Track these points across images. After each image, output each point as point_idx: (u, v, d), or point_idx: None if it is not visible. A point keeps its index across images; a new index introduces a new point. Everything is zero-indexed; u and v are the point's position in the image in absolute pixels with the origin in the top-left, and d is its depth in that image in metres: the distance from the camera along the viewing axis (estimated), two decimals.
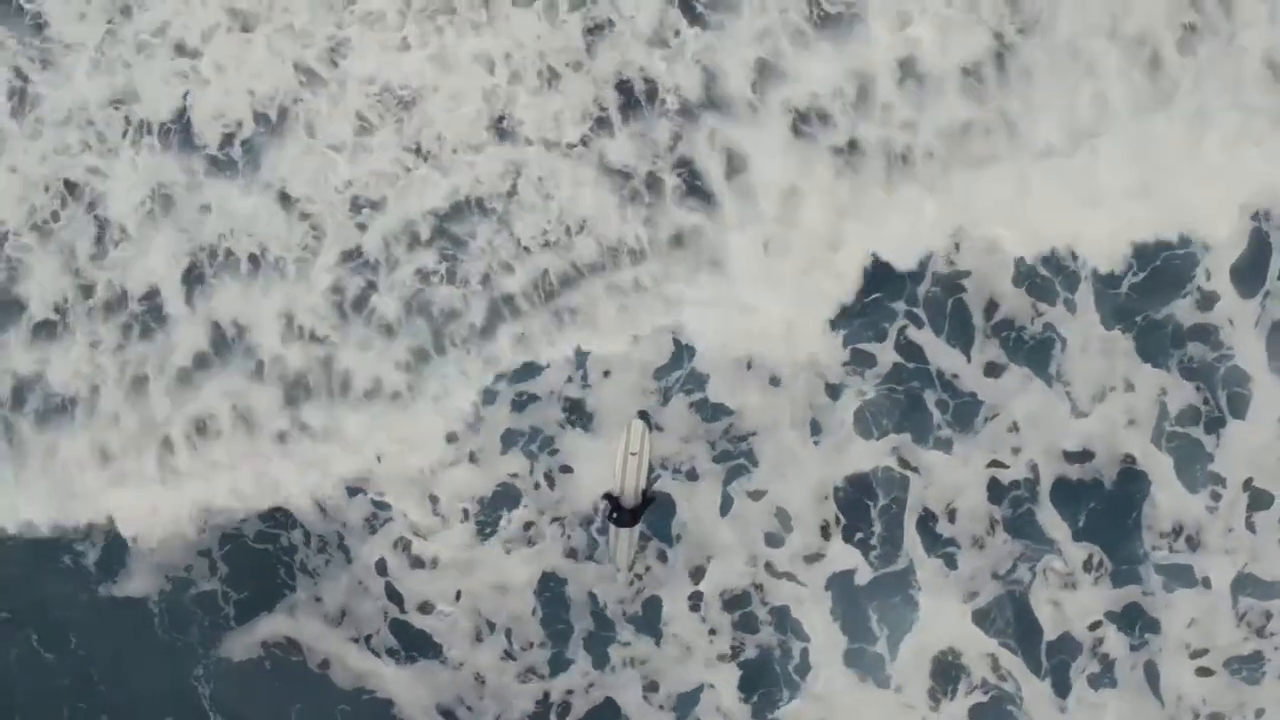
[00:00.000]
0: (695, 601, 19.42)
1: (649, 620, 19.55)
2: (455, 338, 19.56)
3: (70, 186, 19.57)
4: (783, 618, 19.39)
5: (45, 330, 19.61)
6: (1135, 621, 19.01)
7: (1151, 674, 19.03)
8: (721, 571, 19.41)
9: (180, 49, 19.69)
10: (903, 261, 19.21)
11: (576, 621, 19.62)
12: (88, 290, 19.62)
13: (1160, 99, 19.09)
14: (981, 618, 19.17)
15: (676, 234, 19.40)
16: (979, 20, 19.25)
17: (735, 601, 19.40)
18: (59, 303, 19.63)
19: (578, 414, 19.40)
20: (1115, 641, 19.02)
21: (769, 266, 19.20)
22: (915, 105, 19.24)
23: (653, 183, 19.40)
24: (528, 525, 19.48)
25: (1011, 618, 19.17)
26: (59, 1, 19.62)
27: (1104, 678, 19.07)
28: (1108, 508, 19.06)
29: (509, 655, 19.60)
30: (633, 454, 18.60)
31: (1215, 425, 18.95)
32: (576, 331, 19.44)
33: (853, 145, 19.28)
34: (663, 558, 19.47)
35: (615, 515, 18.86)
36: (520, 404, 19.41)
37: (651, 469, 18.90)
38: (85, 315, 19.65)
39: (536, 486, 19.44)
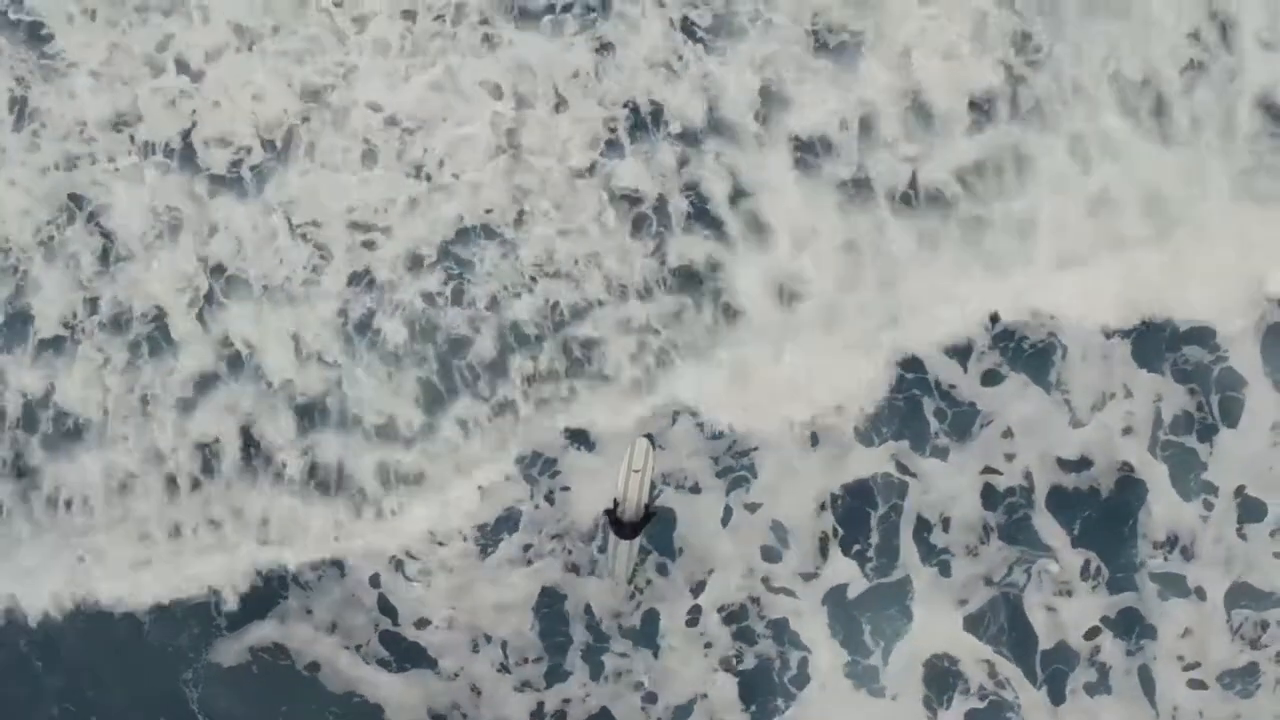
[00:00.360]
0: (694, 615, 19.38)
1: (647, 632, 19.48)
2: (465, 372, 19.52)
3: (75, 201, 19.68)
4: (780, 629, 19.37)
5: (53, 346, 19.59)
6: (1131, 629, 19.06)
7: (1147, 683, 19.04)
8: (720, 585, 19.40)
9: (184, 68, 19.89)
10: (931, 351, 19.39)
11: (574, 634, 19.53)
12: (94, 307, 19.59)
13: (1163, 139, 19.45)
14: (977, 626, 19.21)
15: (686, 266, 19.50)
16: (986, 52, 19.57)
17: (733, 614, 19.37)
18: (67, 318, 19.60)
19: (580, 440, 19.51)
20: (1111, 649, 19.06)
21: (784, 320, 19.41)
22: (922, 139, 19.52)
23: (661, 210, 19.57)
24: (527, 547, 19.44)
25: (1006, 625, 19.20)
26: (62, 17, 19.87)
27: (1100, 686, 19.07)
28: (1104, 515, 19.19)
29: (504, 668, 19.47)
30: (635, 471, 18.59)
31: (1209, 433, 19.17)
32: (588, 388, 19.45)
33: (859, 181, 19.49)
34: (663, 570, 19.47)
35: (615, 527, 18.87)
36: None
37: (654, 486, 18.91)
38: (93, 332, 19.57)
39: (537, 507, 19.45)
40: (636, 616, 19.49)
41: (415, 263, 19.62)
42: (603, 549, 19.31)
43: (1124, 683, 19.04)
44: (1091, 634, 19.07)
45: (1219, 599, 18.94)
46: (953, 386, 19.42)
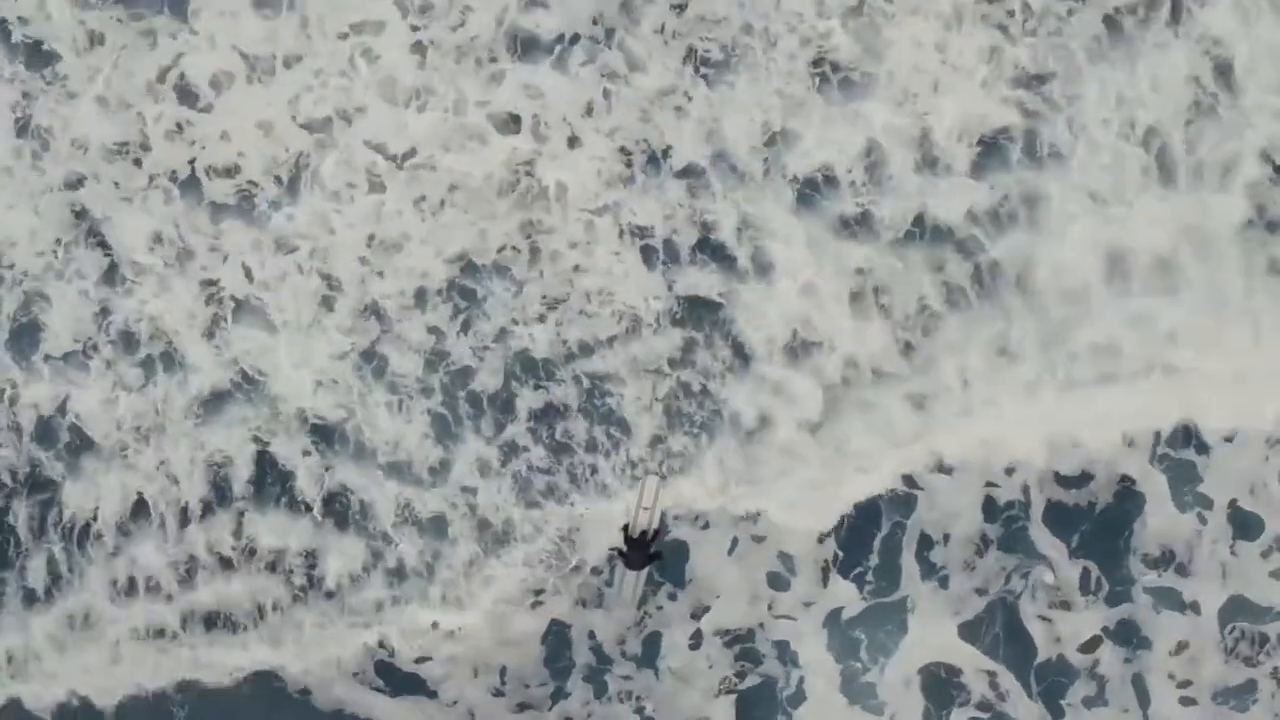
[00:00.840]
0: (696, 640, 19.37)
1: (649, 655, 19.45)
2: (473, 407, 19.45)
3: (81, 226, 19.62)
4: (781, 650, 19.39)
5: (63, 364, 19.52)
6: (1128, 641, 19.15)
7: (1143, 696, 19.16)
8: (724, 610, 19.38)
9: (192, 97, 19.86)
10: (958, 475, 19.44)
11: (577, 658, 19.46)
12: (102, 330, 19.49)
13: (1169, 187, 19.45)
14: (974, 639, 19.29)
15: (696, 300, 19.53)
16: (994, 92, 19.61)
17: (736, 637, 19.37)
18: (77, 338, 19.52)
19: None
20: (1108, 662, 19.14)
21: (795, 371, 19.41)
22: (929, 179, 19.55)
23: (669, 246, 19.61)
24: (539, 591, 19.38)
25: (1003, 637, 19.27)
26: (68, 41, 19.83)
27: (1097, 699, 19.16)
28: (1102, 527, 19.30)
29: (500, 693, 19.37)
30: (645, 509, 18.70)
31: (1204, 448, 19.33)
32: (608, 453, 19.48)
33: (865, 220, 19.49)
34: (672, 598, 19.44)
35: (624, 560, 18.87)
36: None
37: (664, 526, 19.05)
38: (103, 347, 19.49)
39: (553, 558, 19.45)
40: (639, 641, 19.46)
41: (424, 297, 19.63)
42: (610, 583, 19.30)
43: (1120, 696, 19.15)
44: (1088, 647, 19.18)
45: (1213, 613, 19.07)
46: None
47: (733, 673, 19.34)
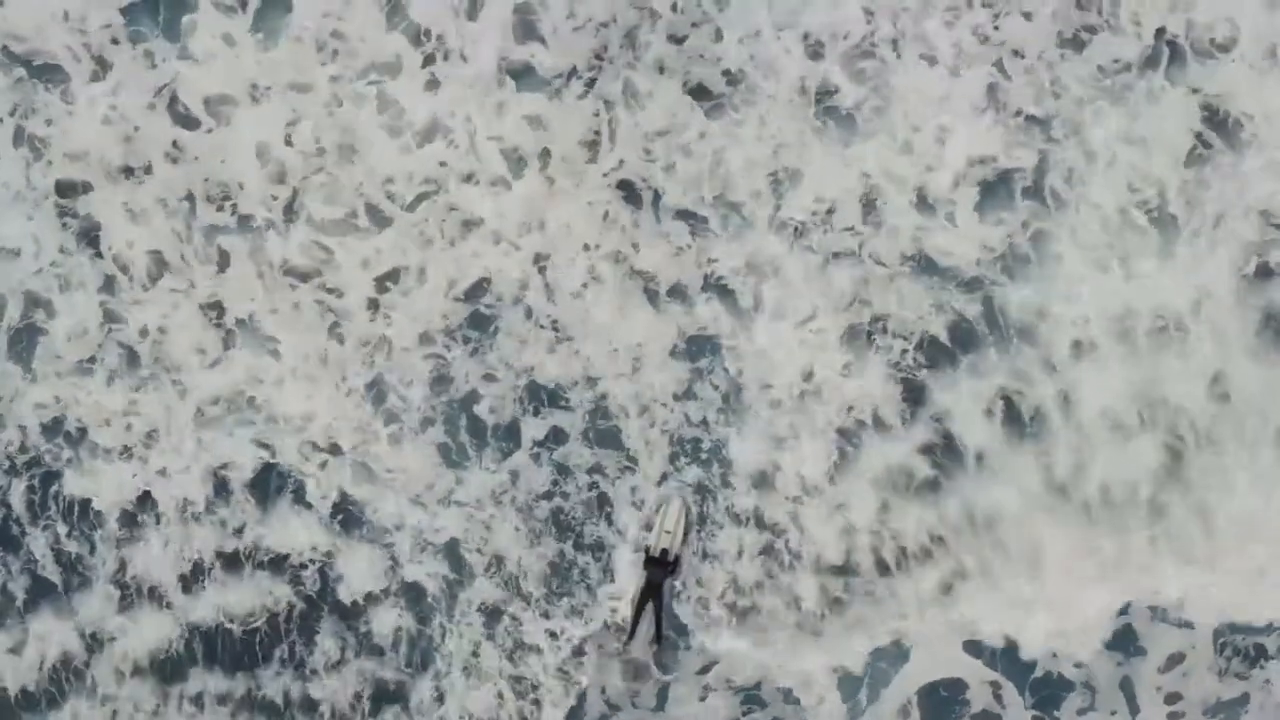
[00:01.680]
0: (704, 693, 19.50)
1: (658, 706, 19.55)
2: (482, 437, 19.59)
3: (80, 242, 19.59)
4: (786, 695, 19.54)
5: (72, 370, 19.49)
6: (1123, 652, 19.38)
7: (1134, 708, 19.47)
8: (733, 665, 19.52)
9: (194, 122, 19.79)
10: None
11: (588, 709, 19.58)
12: (107, 338, 19.49)
13: (1167, 239, 19.45)
14: (975, 653, 19.49)
15: (696, 336, 19.66)
16: (993, 132, 19.61)
17: (741, 687, 19.51)
18: (75, 351, 19.51)
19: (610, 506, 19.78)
20: (1101, 673, 19.39)
21: (798, 413, 19.58)
22: (929, 217, 19.58)
23: (669, 283, 19.74)
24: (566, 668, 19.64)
25: (1001, 648, 19.48)
26: (70, 58, 19.63)
27: (1089, 710, 19.42)
28: None
29: None
30: (667, 532, 19.01)
31: None
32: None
33: (865, 258, 19.52)
34: (688, 648, 19.59)
35: (645, 592, 19.19)
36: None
37: (679, 562, 19.24)
38: (109, 364, 19.48)
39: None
40: (652, 695, 19.61)
41: (431, 329, 19.72)
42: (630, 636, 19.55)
43: (1111, 704, 19.41)
44: (1083, 661, 19.40)
45: (1208, 628, 19.31)
46: None
47: (740, 713, 19.49)
